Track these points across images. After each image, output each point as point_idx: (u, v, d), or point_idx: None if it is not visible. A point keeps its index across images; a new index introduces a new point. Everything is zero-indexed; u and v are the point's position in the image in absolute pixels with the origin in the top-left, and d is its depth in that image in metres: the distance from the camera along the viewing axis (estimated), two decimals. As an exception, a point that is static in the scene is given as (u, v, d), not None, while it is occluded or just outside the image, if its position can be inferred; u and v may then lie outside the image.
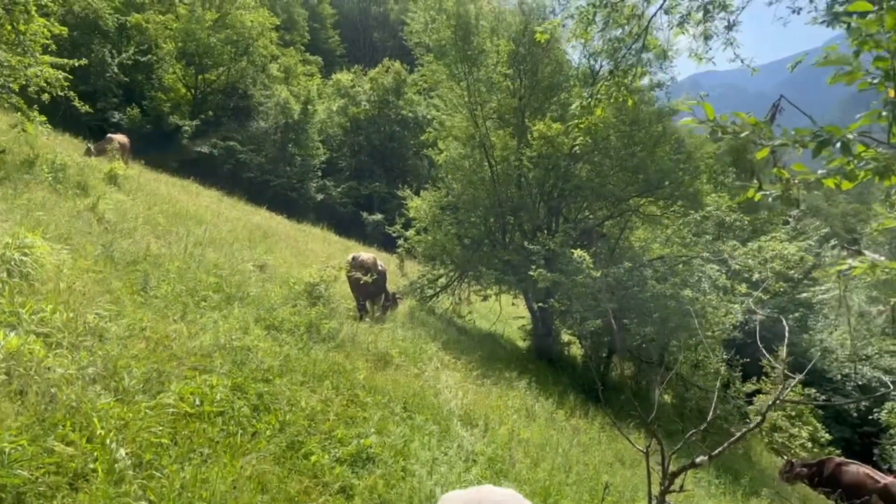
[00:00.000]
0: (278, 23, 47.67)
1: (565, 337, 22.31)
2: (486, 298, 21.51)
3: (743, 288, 17.12)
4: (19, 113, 13.32)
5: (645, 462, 5.45)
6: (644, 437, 11.09)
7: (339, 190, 44.07)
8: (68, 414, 4.67)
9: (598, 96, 6.56)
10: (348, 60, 66.58)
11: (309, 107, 43.48)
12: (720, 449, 5.07)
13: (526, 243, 18.05)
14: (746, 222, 16.82)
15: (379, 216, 41.57)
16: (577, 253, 15.45)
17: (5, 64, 12.68)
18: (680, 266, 16.17)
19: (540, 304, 19.09)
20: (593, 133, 18.27)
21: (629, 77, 6.26)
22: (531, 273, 16.83)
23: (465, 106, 21.42)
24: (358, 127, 47.65)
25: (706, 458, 4.96)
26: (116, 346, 6.08)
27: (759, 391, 22.29)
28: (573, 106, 7.17)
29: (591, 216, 21.14)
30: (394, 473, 6.21)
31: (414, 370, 11.20)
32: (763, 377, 22.75)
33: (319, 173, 43.98)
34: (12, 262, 6.37)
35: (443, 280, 21.82)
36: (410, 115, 47.04)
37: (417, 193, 23.05)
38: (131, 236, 11.44)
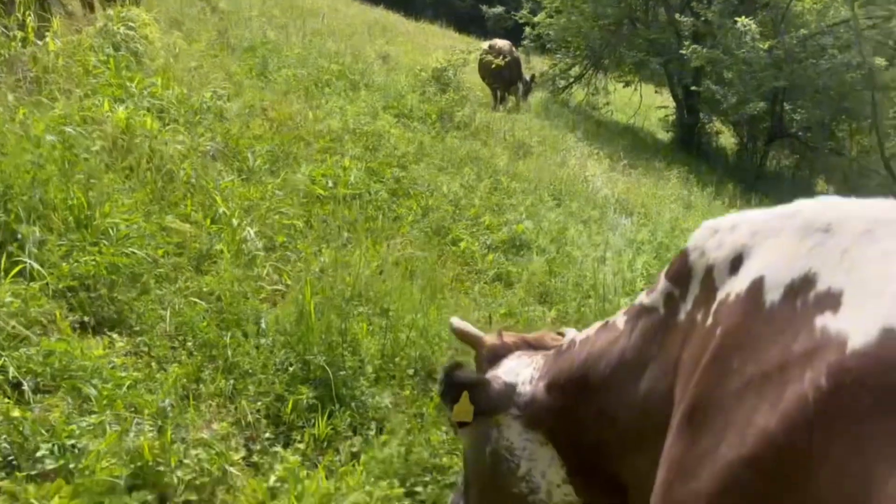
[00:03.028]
0: None
1: (714, 126, 20.19)
2: (627, 84, 19.51)
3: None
4: None
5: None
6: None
7: (455, -17, 40.88)
8: (188, 192, 4.08)
9: None
10: None
11: None
12: None
13: (677, 15, 15.64)
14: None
15: (500, 9, 38.40)
16: (742, 21, 13.10)
17: None
18: (872, 29, 13.45)
19: (689, 87, 16.99)
20: None
21: None
22: (682, 51, 14.70)
23: None
24: None
25: None
26: (237, 125, 5.41)
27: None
28: None
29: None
30: (554, 260, 5.41)
31: (557, 159, 10.15)
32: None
33: (434, -35, 40.78)
34: (118, 36, 5.65)
35: (576, 69, 19.89)
36: None
37: (547, -30, 20.40)
38: (247, 26, 10.61)
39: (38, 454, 2.04)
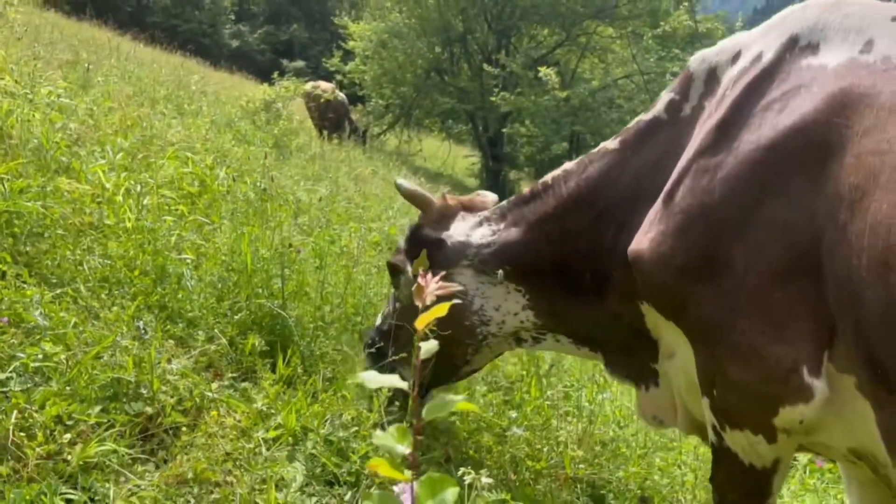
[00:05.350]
0: None
1: (516, 174, 21.90)
2: (439, 132, 20.59)
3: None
4: None
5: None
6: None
7: (255, 36, 40.68)
8: (60, 171, 3.67)
9: None
10: None
11: (213, -60, 38.97)
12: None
13: (485, 66, 16.94)
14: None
15: (301, 63, 38.75)
16: (545, 70, 14.57)
17: None
18: (646, 83, 15.58)
19: (494, 137, 18.37)
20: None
21: None
22: (492, 98, 15.92)
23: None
24: (270, -35, 43.43)
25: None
26: (88, 118, 4.98)
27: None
28: None
29: (542, 41, 20.06)
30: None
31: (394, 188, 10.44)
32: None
33: (232, 17, 40.32)
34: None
35: (390, 117, 20.62)
36: (329, -51, 43.05)
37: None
38: (54, 46, 9.76)
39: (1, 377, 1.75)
